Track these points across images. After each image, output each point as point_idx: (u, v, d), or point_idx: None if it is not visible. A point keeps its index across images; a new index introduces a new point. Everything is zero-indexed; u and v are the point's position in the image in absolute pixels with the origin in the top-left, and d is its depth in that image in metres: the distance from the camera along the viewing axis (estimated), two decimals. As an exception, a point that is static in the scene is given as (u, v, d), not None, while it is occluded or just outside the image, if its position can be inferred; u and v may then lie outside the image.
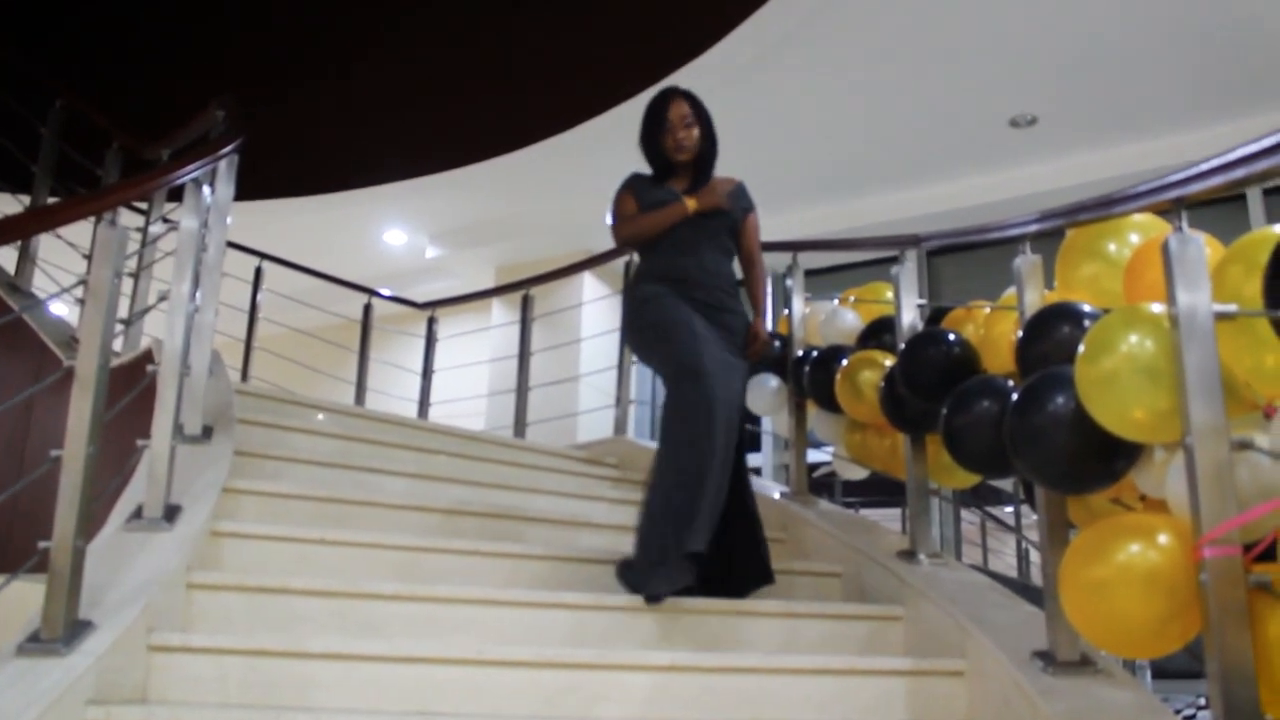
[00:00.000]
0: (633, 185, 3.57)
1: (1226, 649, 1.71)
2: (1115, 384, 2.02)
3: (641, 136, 3.56)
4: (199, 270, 3.41)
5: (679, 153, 3.50)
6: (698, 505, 3.00)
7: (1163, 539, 1.91)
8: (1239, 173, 1.81)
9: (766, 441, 7.83)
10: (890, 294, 3.73)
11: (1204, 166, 1.90)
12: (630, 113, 6.31)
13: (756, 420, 4.80)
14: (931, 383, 3.13)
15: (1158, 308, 1.99)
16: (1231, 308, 1.86)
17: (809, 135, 7.11)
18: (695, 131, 3.50)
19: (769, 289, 3.34)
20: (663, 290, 3.38)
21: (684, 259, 3.42)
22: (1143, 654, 2.13)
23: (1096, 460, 2.18)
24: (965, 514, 7.73)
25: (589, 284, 7.98)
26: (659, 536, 3.01)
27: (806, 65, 6.34)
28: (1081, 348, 2.12)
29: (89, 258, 4.67)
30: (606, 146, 6.22)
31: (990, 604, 3.05)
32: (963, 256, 7.34)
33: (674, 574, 2.96)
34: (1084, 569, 2.02)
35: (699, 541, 2.97)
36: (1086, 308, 2.49)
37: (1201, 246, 1.89)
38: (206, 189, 3.46)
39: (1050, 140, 6.95)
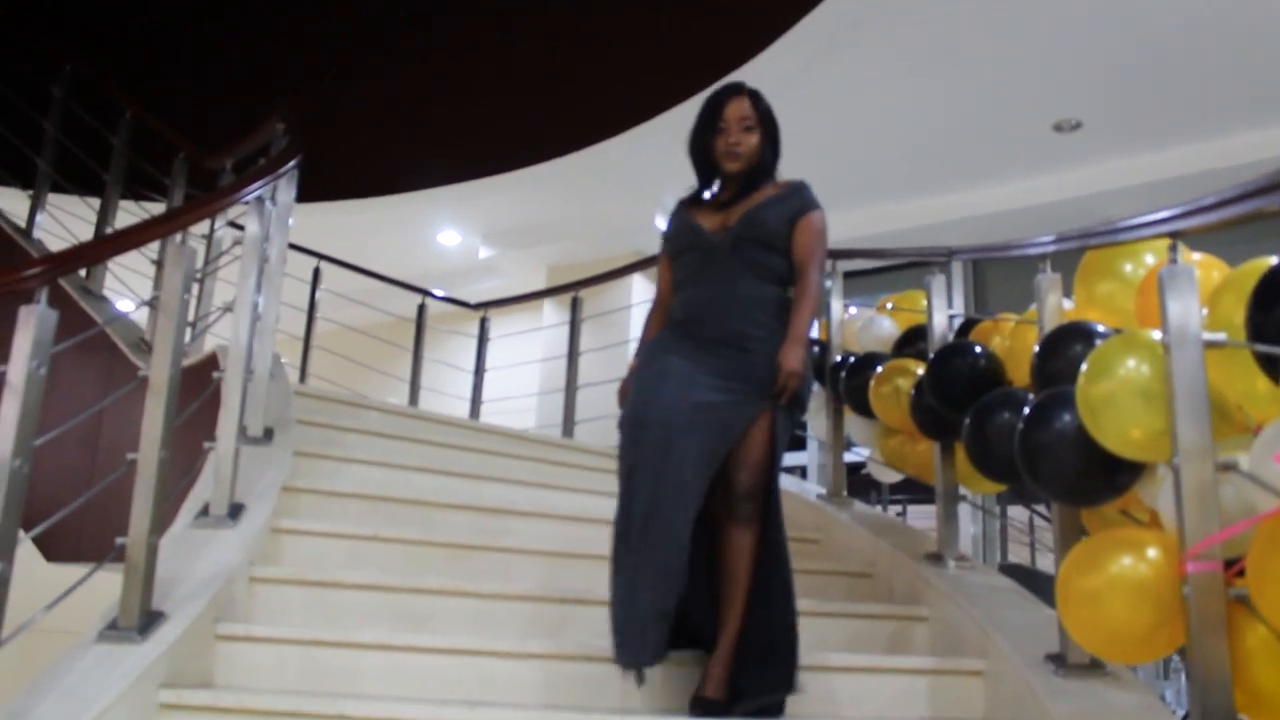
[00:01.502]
0: (667, 233, 3.10)
1: (1206, 657, 1.83)
2: (1113, 405, 2.13)
3: (691, 135, 3.03)
4: (262, 277, 3.61)
5: (729, 160, 2.94)
6: (615, 588, 2.73)
7: (1152, 553, 2.03)
8: (1233, 210, 1.91)
9: (811, 445, 7.94)
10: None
11: (1201, 203, 2.00)
12: (681, 116, 6.44)
13: (802, 425, 4.91)
14: (958, 393, 3.24)
15: (1156, 334, 2.10)
16: (1220, 337, 1.97)
17: (855, 140, 7.19)
18: (754, 138, 2.95)
19: (816, 305, 2.90)
20: (660, 340, 2.97)
21: (699, 292, 2.94)
22: (1132, 660, 2.25)
23: (1100, 476, 2.29)
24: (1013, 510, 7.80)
25: (638, 285, 8.12)
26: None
27: (852, 72, 6.43)
28: (1083, 369, 2.24)
29: (157, 263, 4.92)
30: (658, 149, 6.33)
31: (1010, 606, 3.16)
32: (1006, 264, 7.39)
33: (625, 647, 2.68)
34: (1080, 579, 2.14)
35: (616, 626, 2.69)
36: (1100, 328, 2.60)
37: (1193, 277, 2.00)
38: (268, 201, 3.65)
39: (1094, 145, 6.98)
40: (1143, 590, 2.00)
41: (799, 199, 2.97)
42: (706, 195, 3.07)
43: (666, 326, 3.00)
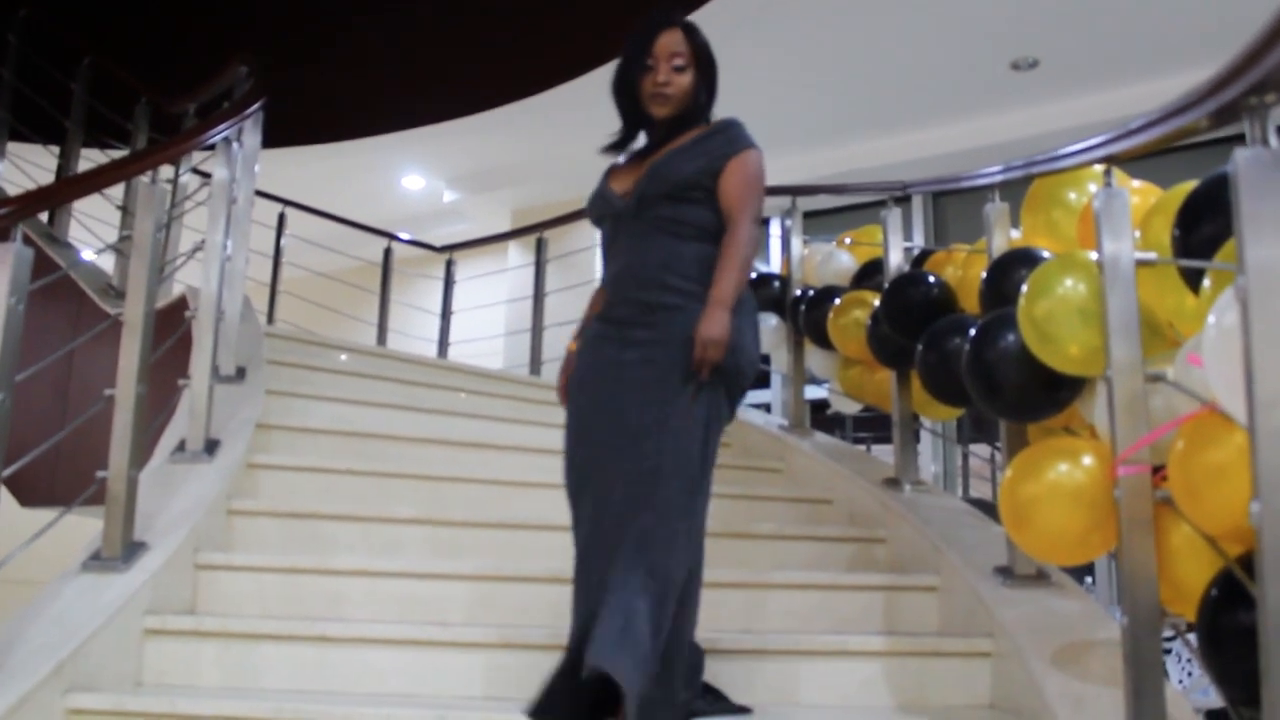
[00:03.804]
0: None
1: (1134, 555, 1.95)
2: (1052, 323, 2.25)
3: (616, 74, 2.58)
4: (230, 221, 3.66)
5: (657, 103, 2.51)
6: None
7: (1087, 460, 2.16)
8: (1159, 130, 2.00)
9: (775, 380, 8.07)
10: (884, 237, 3.91)
11: (1130, 126, 2.10)
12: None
13: (765, 359, 5.01)
14: (911, 321, 3.33)
15: (1092, 255, 2.21)
16: (1151, 255, 2.08)
17: (814, 80, 7.23)
18: (687, 78, 2.51)
19: (744, 261, 2.46)
20: (588, 336, 2.63)
21: (613, 265, 2.58)
22: (1069, 561, 2.38)
23: (1042, 392, 2.41)
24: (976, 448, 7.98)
25: (602, 226, 8.15)
26: None
27: (810, 11, 6.45)
28: (1024, 290, 2.35)
29: (122, 208, 4.94)
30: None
31: (963, 526, 3.30)
32: (963, 198, 7.48)
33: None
34: (1020, 486, 2.26)
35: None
36: (1044, 253, 2.71)
37: (1126, 201, 2.10)
38: (235, 143, 3.69)
39: (1052, 82, 7.05)
40: (1078, 495, 2.13)
41: (724, 139, 2.53)
42: (622, 159, 2.69)
43: (598, 319, 2.61)
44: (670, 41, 2.51)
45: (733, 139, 2.53)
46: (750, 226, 2.48)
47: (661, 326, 2.43)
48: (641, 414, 2.38)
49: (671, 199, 2.48)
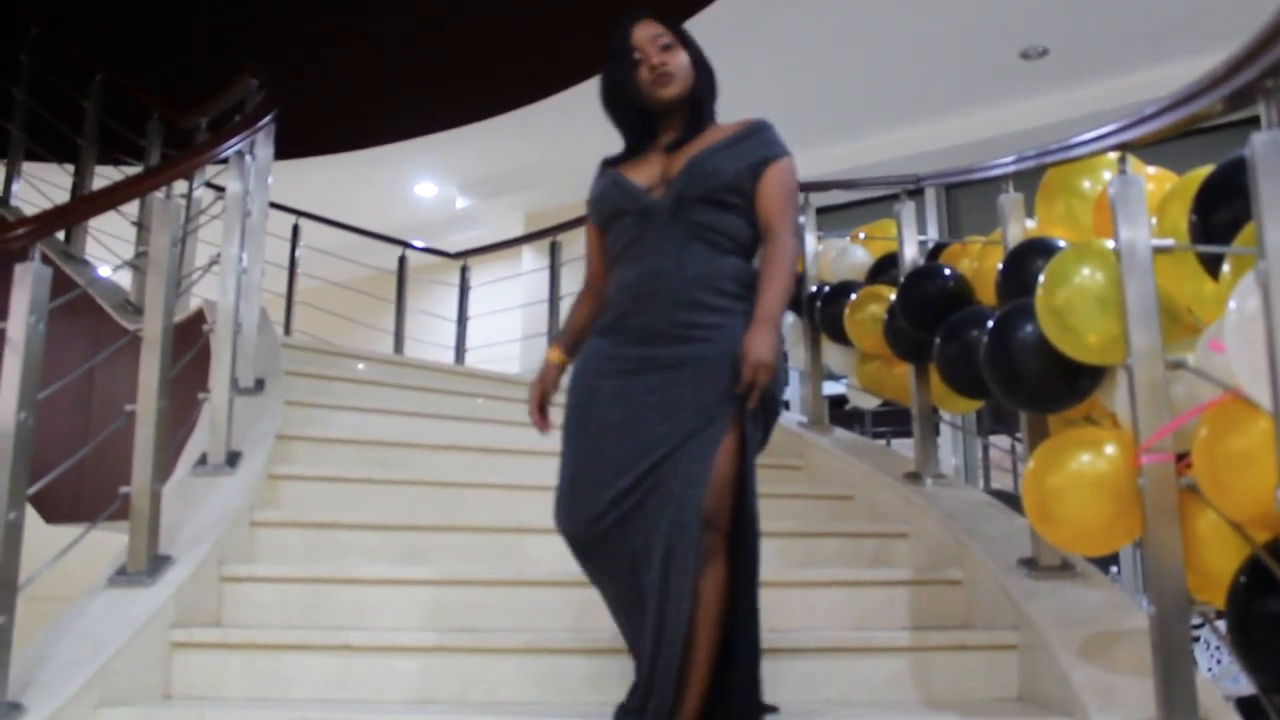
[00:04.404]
0: (590, 198, 2.52)
1: (1160, 543, 1.94)
2: (1071, 312, 2.24)
3: (603, 84, 2.43)
4: (244, 233, 3.68)
5: (662, 85, 2.34)
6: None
7: (1110, 449, 2.15)
8: (1174, 115, 2.00)
9: (793, 376, 8.05)
10: (899, 231, 3.89)
11: (1145, 113, 2.09)
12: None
13: (783, 356, 4.99)
14: (928, 314, 3.32)
15: (1109, 243, 2.20)
16: (1168, 242, 2.07)
17: (821, 75, 7.22)
18: (680, 55, 2.36)
19: (789, 275, 2.31)
20: (589, 355, 2.40)
21: (635, 270, 2.33)
22: (1094, 551, 2.35)
23: (1062, 382, 2.40)
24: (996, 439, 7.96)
25: (615, 227, 8.15)
26: None
27: (815, 5, 6.45)
28: (1041, 280, 2.34)
29: (138, 224, 4.97)
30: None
31: (985, 518, 3.28)
32: (977, 190, 7.46)
33: None
34: (1043, 477, 2.25)
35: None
36: (1060, 243, 2.69)
37: (1142, 188, 2.09)
38: (248, 156, 3.71)
39: (1063, 71, 7.02)
40: (1102, 484, 2.12)
41: (760, 141, 2.37)
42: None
43: (594, 334, 2.42)
44: (647, 28, 2.39)
45: (770, 142, 2.38)
46: (791, 237, 2.33)
47: (697, 345, 2.25)
48: (676, 441, 2.18)
49: (709, 202, 2.30)
